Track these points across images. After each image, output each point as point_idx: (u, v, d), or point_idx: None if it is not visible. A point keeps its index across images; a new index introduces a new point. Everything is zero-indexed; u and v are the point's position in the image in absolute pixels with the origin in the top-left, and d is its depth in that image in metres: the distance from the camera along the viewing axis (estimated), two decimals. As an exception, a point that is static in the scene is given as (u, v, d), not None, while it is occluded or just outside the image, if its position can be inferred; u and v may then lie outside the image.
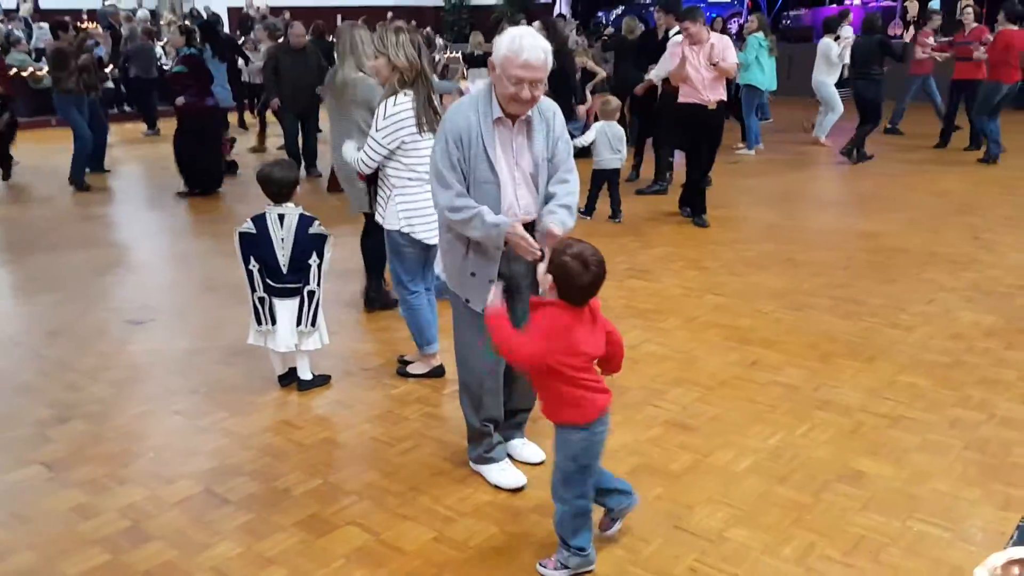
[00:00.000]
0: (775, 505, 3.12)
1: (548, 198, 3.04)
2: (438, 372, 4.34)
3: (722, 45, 6.98)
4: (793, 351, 4.56)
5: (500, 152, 2.98)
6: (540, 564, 2.77)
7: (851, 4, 16.88)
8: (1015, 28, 9.60)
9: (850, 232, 7.07)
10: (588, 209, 7.50)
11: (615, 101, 7.53)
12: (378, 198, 4.15)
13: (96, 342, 4.89)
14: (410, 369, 4.38)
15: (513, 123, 2.98)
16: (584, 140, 7.30)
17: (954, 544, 2.87)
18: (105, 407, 4.06)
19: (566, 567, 2.72)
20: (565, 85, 8.44)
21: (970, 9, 10.74)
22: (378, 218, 4.15)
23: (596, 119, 7.84)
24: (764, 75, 10.48)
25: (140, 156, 12.05)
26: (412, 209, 3.99)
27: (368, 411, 3.96)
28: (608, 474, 2.87)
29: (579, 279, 2.51)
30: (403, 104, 3.87)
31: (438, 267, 3.81)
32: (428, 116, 3.92)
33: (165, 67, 14.68)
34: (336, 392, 4.18)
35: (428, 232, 4.00)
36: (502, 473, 3.33)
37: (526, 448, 3.53)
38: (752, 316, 5.09)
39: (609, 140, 7.27)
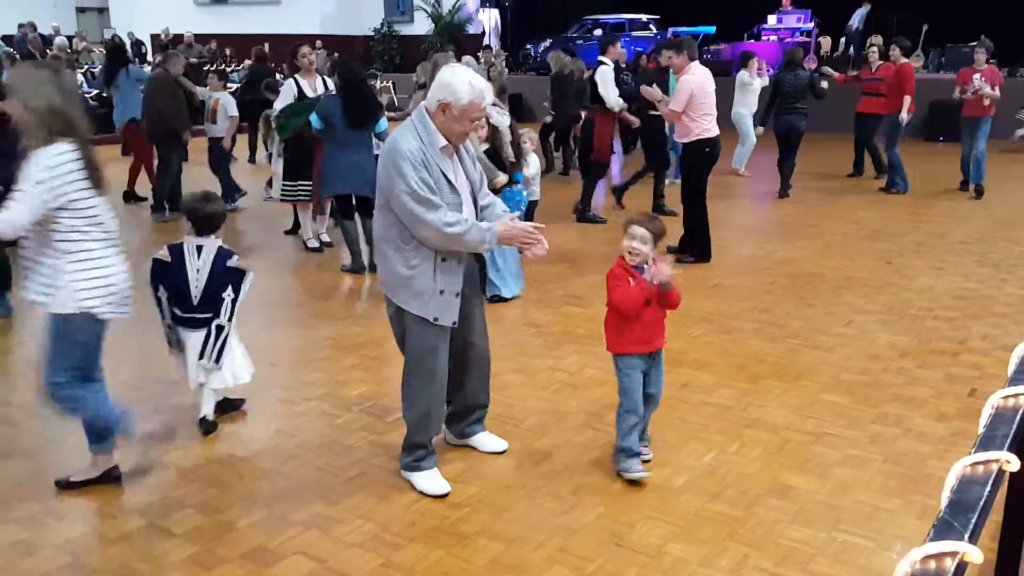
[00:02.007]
0: (710, 520, 3.28)
1: (483, 209, 3.49)
2: (114, 476, 3.58)
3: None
4: (723, 372, 4.77)
5: (451, 174, 3.32)
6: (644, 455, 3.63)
7: (767, 42, 17.61)
8: (906, 61, 10.58)
9: (771, 258, 7.38)
10: None
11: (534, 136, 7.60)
12: (28, 278, 3.26)
13: (32, 375, 4.78)
14: (75, 478, 3.55)
15: (451, 150, 3.35)
16: (534, 169, 7.19)
17: (877, 553, 3.06)
18: (44, 442, 3.99)
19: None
20: None
21: (875, 48, 11.45)
22: (34, 301, 3.26)
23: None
24: None
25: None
26: (98, 279, 3.27)
27: (313, 441, 3.99)
28: None
29: None
30: (66, 154, 3.13)
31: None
32: (95, 172, 3.23)
33: (87, 94, 14.43)
34: (280, 422, 4.20)
35: (112, 306, 3.34)
36: (430, 481, 3.51)
37: (489, 440, 3.84)
38: (684, 339, 5.29)
39: (535, 172, 7.28)
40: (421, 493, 3.47)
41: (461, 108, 3.20)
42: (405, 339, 3.47)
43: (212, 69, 9.66)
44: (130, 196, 9.91)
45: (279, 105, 7.20)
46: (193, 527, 3.26)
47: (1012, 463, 1.56)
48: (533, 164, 7.22)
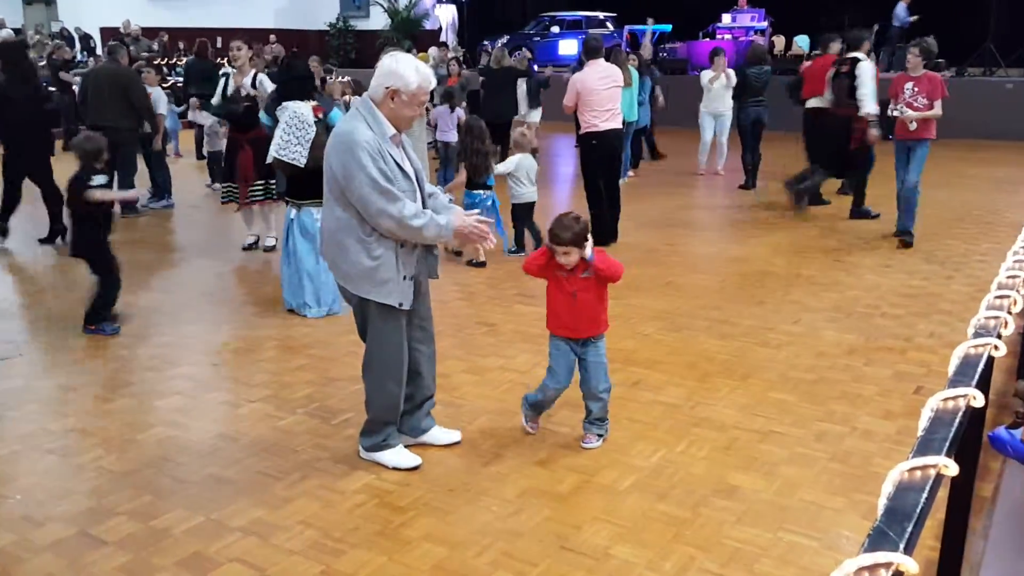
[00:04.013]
0: (656, 521, 3.25)
1: (428, 197, 3.54)
2: None
3: None
4: (673, 371, 4.76)
5: (404, 162, 3.38)
6: (585, 442, 3.81)
7: (722, 40, 17.72)
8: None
9: (722, 257, 7.41)
10: (520, 245, 7.34)
11: (531, 133, 7.41)
12: None
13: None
14: None
15: (397, 139, 3.40)
16: (505, 167, 7.10)
17: (822, 553, 3.06)
18: (-37, 450, 3.84)
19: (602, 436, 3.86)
20: None
21: (836, 46, 11.35)
22: None
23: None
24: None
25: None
26: None
27: (255, 444, 3.89)
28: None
29: None
30: None
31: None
32: None
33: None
34: (222, 425, 4.09)
35: None
36: (400, 456, 3.64)
37: (443, 433, 3.87)
38: (635, 338, 5.28)
39: (526, 172, 7.10)
40: (395, 468, 3.60)
41: (411, 93, 3.29)
42: (367, 328, 3.52)
43: (148, 64, 9.35)
44: None
45: (214, 101, 7.42)
46: (126, 535, 3.15)
47: (950, 468, 1.54)
48: (520, 163, 7.05)
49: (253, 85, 7.12)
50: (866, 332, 5.39)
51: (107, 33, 20.39)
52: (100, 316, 5.36)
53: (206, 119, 9.47)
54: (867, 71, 8.14)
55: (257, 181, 7.12)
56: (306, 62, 7.21)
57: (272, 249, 7.43)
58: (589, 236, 3.66)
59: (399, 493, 3.44)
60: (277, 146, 5.62)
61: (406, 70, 3.28)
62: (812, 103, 9.01)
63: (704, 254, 7.54)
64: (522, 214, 7.24)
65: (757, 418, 4.15)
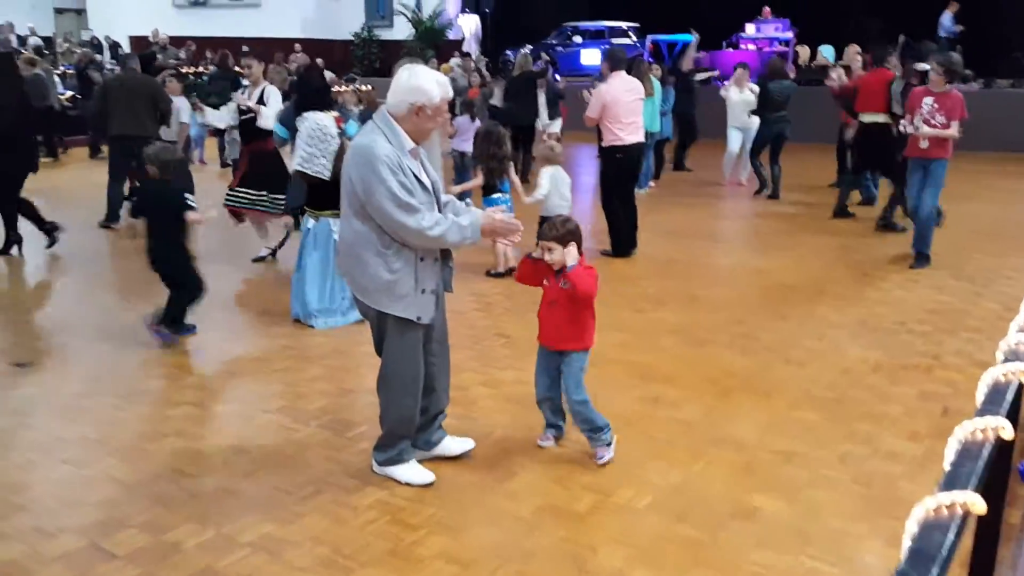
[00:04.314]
0: (674, 543, 3.18)
1: (444, 206, 3.52)
2: None
3: None
4: (692, 387, 4.68)
5: (422, 175, 3.37)
6: (598, 458, 3.75)
7: (745, 51, 17.61)
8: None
9: (744, 269, 7.31)
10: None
11: (559, 146, 7.21)
12: None
13: None
14: None
15: (415, 152, 3.39)
16: (539, 194, 6.69)
17: (843, 578, 2.97)
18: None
19: (609, 444, 3.78)
20: None
21: (859, 57, 11.25)
22: None
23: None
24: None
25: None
26: None
27: (268, 457, 3.85)
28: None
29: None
30: None
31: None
32: None
33: (61, 95, 14.23)
34: (235, 436, 4.06)
35: None
36: (414, 472, 3.60)
37: (455, 443, 3.82)
38: (654, 352, 5.20)
39: (558, 185, 6.86)
40: (407, 484, 3.55)
41: (435, 107, 3.31)
42: (384, 342, 3.48)
43: (173, 72, 9.38)
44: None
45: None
46: (136, 548, 3.12)
47: (978, 505, 1.47)
48: (552, 178, 6.76)
49: (261, 99, 7.08)
50: (891, 349, 5.28)
51: (136, 41, 20.65)
52: (172, 319, 5.28)
53: (219, 121, 9.46)
54: None
55: (260, 191, 7.10)
56: (321, 72, 7.13)
57: (262, 260, 7.38)
58: (575, 245, 3.63)
59: (412, 510, 3.39)
60: (301, 159, 5.59)
61: (428, 84, 3.30)
62: (868, 117, 8.63)
63: (725, 266, 7.45)
64: None
65: (779, 437, 4.06)
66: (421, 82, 3.29)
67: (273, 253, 7.47)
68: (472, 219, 3.42)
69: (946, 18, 16.86)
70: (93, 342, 5.36)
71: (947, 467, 1.64)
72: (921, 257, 7.28)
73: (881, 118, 8.48)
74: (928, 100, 6.96)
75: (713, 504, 3.46)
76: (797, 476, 3.69)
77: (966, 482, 1.52)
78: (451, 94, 3.42)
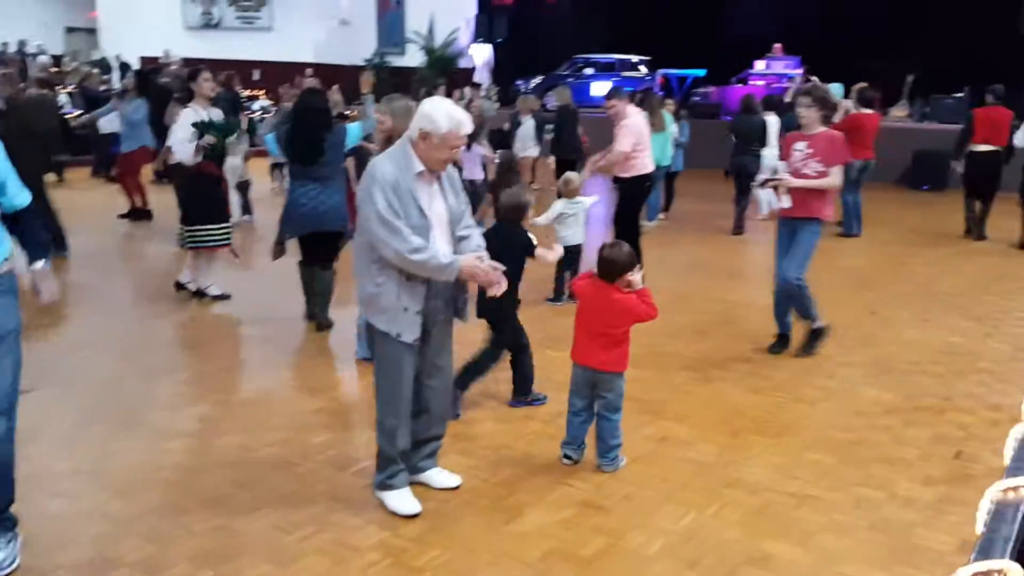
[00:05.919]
0: (685, 592, 3.07)
1: (459, 240, 3.58)
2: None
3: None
4: (704, 426, 4.58)
5: (425, 200, 3.44)
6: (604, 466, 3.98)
7: (754, 87, 17.62)
8: (868, 112, 10.18)
9: (756, 305, 7.21)
10: (558, 295, 7.06)
11: (577, 179, 7.12)
12: None
13: None
14: None
15: (429, 177, 3.47)
16: (545, 219, 6.83)
17: (861, 632, 2.86)
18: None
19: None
20: None
21: (847, 101, 11.28)
22: None
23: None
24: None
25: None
26: None
27: (269, 493, 3.75)
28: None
29: None
30: None
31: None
32: None
33: (68, 115, 14.25)
34: (236, 471, 3.97)
35: None
36: (401, 500, 3.59)
37: (442, 476, 3.82)
38: (665, 389, 5.11)
39: (578, 216, 6.87)
40: (392, 513, 3.54)
41: (440, 136, 3.37)
42: (375, 352, 3.62)
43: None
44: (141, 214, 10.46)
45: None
46: (129, 588, 3.03)
47: (1014, 573, 1.39)
48: (566, 208, 6.85)
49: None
50: (905, 391, 5.17)
51: (147, 62, 20.79)
52: (526, 388, 4.90)
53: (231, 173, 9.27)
54: None
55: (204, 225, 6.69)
56: (324, 95, 6.90)
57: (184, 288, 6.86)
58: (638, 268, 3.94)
59: (415, 552, 3.29)
60: None
61: (438, 115, 3.39)
62: (982, 147, 9.95)
63: (736, 301, 7.36)
64: (566, 258, 6.19)
65: (792, 480, 3.96)
66: (432, 111, 3.40)
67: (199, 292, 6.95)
68: (455, 257, 3.44)
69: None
70: (92, 368, 5.29)
71: (980, 530, 1.56)
72: (780, 338, 5.86)
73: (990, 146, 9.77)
74: (800, 145, 5.47)
75: (725, 551, 3.35)
76: (811, 521, 3.59)
77: (1003, 550, 1.44)
78: (464, 128, 3.42)
